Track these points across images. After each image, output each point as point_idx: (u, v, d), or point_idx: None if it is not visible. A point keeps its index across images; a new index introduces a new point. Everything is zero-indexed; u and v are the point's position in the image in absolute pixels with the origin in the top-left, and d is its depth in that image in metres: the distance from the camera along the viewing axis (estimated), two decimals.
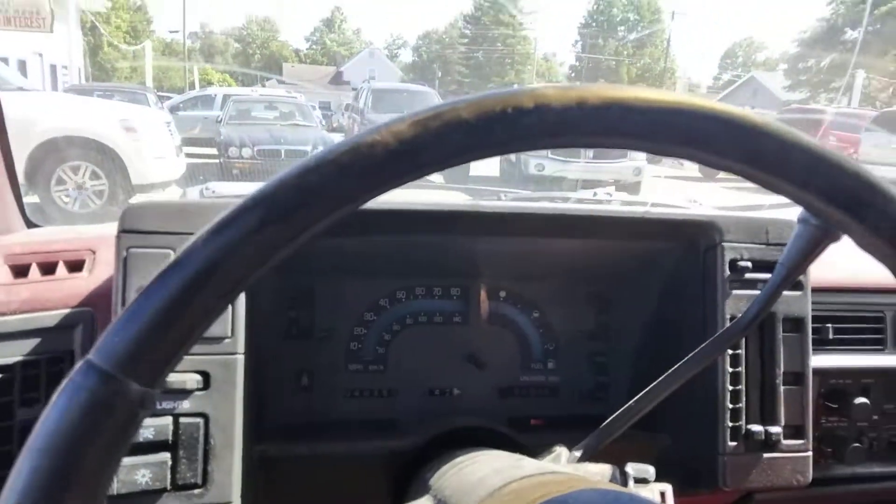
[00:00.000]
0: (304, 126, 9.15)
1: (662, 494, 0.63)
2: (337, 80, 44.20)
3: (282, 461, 0.76)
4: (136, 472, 0.62)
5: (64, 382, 0.29)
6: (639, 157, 8.31)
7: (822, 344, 0.95)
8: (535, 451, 0.69)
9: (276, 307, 0.86)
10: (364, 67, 43.19)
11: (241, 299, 0.68)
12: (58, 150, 5.38)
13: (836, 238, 0.58)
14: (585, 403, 0.97)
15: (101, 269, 0.80)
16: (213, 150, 8.47)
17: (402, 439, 0.79)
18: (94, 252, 0.83)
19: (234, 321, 0.68)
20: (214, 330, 0.67)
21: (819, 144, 0.34)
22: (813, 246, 0.58)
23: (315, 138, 8.41)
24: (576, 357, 0.97)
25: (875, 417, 0.98)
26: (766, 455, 0.79)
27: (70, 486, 0.28)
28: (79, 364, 0.29)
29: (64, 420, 0.28)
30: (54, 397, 0.29)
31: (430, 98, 11.03)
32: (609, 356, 0.98)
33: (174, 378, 0.65)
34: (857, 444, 0.94)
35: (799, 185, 0.33)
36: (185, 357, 0.64)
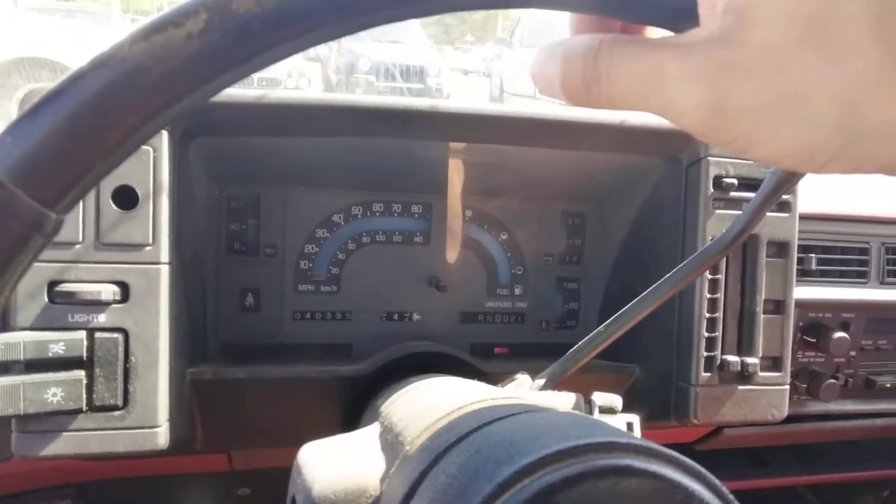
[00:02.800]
0: None
1: (630, 425, 0.58)
2: None
3: (219, 385, 0.69)
4: (46, 390, 0.55)
5: None
6: None
7: (804, 274, 0.90)
8: (497, 379, 0.63)
9: (215, 218, 0.78)
10: None
11: (164, 205, 0.60)
12: (17, 70, 5.13)
13: None
14: (554, 331, 0.92)
15: None
16: None
17: (354, 364, 0.72)
18: None
19: (154, 226, 0.59)
20: (133, 236, 0.59)
21: None
22: None
23: (290, 66, 8.12)
24: (545, 282, 0.91)
25: (853, 354, 0.94)
26: (740, 387, 0.74)
27: None
28: None
29: None
30: None
31: (410, 26, 10.69)
32: (581, 282, 0.92)
33: (86, 288, 0.57)
34: (832, 381, 0.90)
35: None
36: (100, 265, 0.57)
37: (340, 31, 0.25)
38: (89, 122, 0.24)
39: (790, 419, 0.97)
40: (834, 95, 0.23)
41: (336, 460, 0.48)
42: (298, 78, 7.91)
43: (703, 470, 0.34)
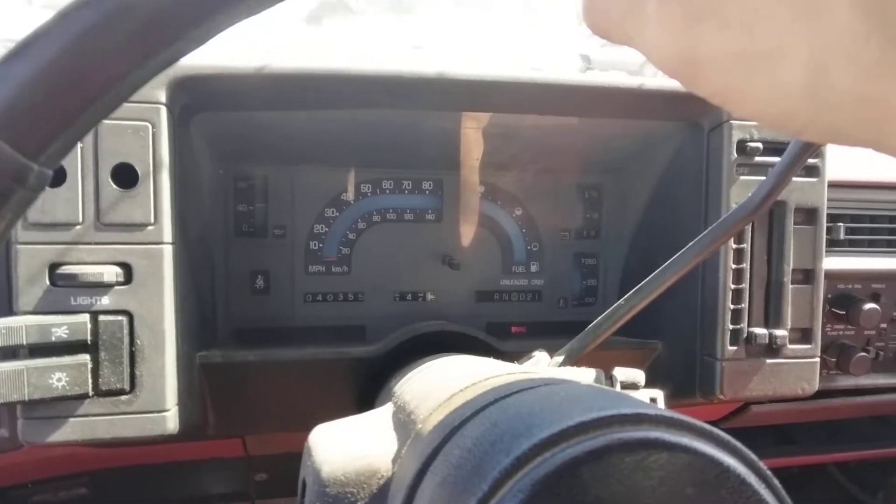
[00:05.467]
0: None
1: (654, 400, 0.55)
2: None
3: (230, 369, 0.67)
4: (50, 375, 0.54)
5: None
6: None
7: (832, 245, 0.86)
8: (515, 357, 0.61)
9: (222, 199, 0.76)
10: None
11: (165, 183, 0.58)
12: None
13: None
14: (573, 309, 0.89)
15: None
16: None
17: (368, 345, 0.70)
18: None
19: (156, 205, 0.57)
20: (134, 215, 0.57)
21: None
22: None
23: None
24: (562, 258, 0.88)
25: (883, 326, 0.90)
26: (768, 361, 0.71)
27: None
28: None
29: None
30: None
31: None
32: (599, 257, 0.89)
33: (88, 269, 0.56)
34: (862, 354, 0.86)
35: None
36: (101, 246, 0.56)
37: None
38: (71, 67, 0.22)
39: (819, 394, 0.94)
40: (804, 57, 0.22)
41: (347, 441, 0.46)
42: None
43: (738, 444, 0.31)
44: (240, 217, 0.78)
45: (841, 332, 0.89)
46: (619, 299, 0.61)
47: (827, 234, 0.85)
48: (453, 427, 0.37)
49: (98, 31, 0.22)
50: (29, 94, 0.22)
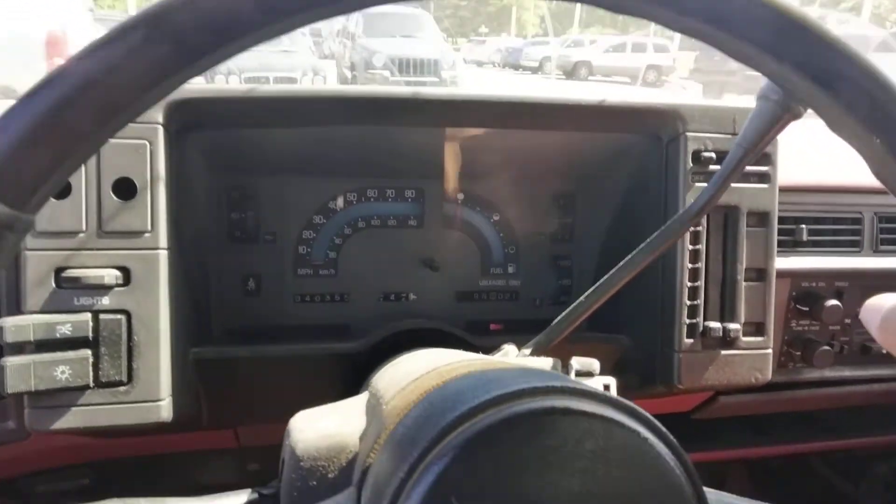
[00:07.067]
0: (292, 52, 8.85)
1: (606, 387, 0.60)
2: None
3: (222, 364, 0.73)
4: (55, 368, 0.60)
5: None
6: None
7: (795, 245, 0.91)
8: (487, 352, 0.66)
9: (216, 208, 0.82)
10: None
11: (161, 194, 0.64)
12: None
13: (797, 115, 0.54)
14: (547, 308, 0.94)
15: None
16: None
17: (352, 342, 0.76)
18: None
19: (153, 215, 0.63)
20: (132, 224, 0.63)
21: (792, 5, 0.29)
22: (772, 123, 0.54)
23: (305, 65, 8.19)
24: (538, 260, 0.94)
25: (847, 321, 0.95)
26: (723, 352, 0.76)
27: None
28: None
29: None
30: None
31: (423, 20, 10.72)
32: (573, 259, 0.94)
33: (91, 273, 0.62)
34: (825, 347, 0.91)
35: (767, 50, 0.30)
36: (102, 252, 0.62)
37: (271, 33, 0.28)
38: (46, 133, 0.27)
39: (786, 386, 0.99)
40: None
41: (322, 423, 0.52)
42: (314, 76, 7.98)
43: (639, 409, 0.36)
44: (233, 224, 0.83)
45: (806, 328, 0.94)
46: None
47: (790, 235, 0.90)
48: (403, 409, 0.42)
49: (66, 101, 0.27)
50: (11, 156, 0.27)
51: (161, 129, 0.63)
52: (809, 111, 0.43)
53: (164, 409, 0.64)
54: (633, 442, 0.35)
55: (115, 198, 0.63)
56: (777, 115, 0.53)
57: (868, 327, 0.35)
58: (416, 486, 0.33)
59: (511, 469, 0.33)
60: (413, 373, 0.52)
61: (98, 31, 6.09)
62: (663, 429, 0.36)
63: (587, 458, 0.34)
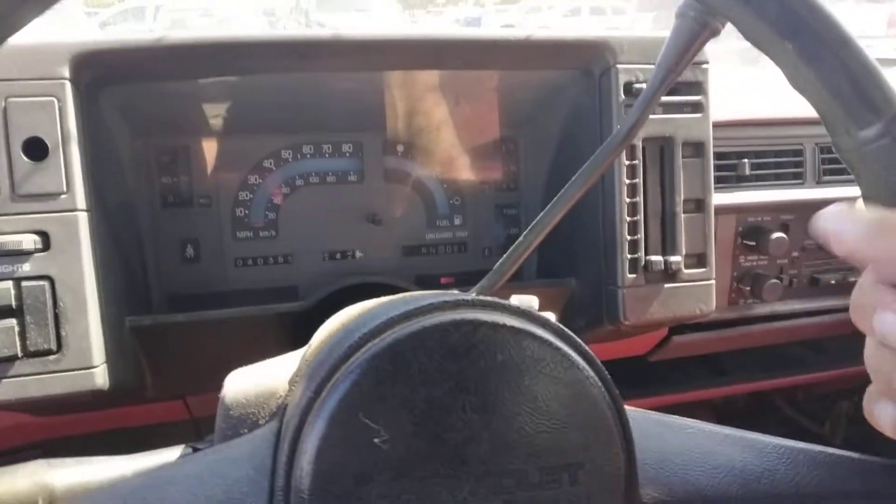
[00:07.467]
0: None
1: None
2: None
3: (162, 331, 0.71)
4: None
5: None
6: None
7: (739, 181, 0.91)
8: None
9: (146, 172, 0.79)
10: None
11: (75, 153, 0.61)
12: None
13: (715, 31, 0.53)
14: (497, 257, 0.93)
15: None
16: None
17: (296, 301, 0.74)
18: None
19: (67, 175, 0.61)
20: (47, 185, 0.60)
21: None
22: (690, 41, 0.53)
23: None
24: (484, 211, 0.93)
25: (795, 254, 0.96)
26: (666, 286, 0.76)
27: None
28: None
29: None
30: None
31: None
32: (519, 207, 0.93)
33: (8, 239, 0.59)
34: (774, 281, 0.92)
35: None
36: (18, 217, 0.59)
37: None
38: None
39: (739, 322, 1.00)
40: None
41: (253, 374, 0.50)
42: None
43: (550, 319, 0.36)
44: (164, 189, 0.81)
45: (754, 263, 0.95)
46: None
47: (733, 170, 0.90)
48: (324, 341, 0.41)
49: None
50: None
51: (69, 85, 0.61)
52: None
53: (99, 377, 0.63)
54: (545, 352, 0.34)
55: (26, 159, 0.60)
56: (695, 31, 0.52)
57: (818, 236, 0.33)
58: (324, 404, 0.32)
59: (419, 384, 0.32)
60: (344, 314, 0.51)
61: None
62: (577, 339, 0.36)
63: (497, 371, 0.33)
